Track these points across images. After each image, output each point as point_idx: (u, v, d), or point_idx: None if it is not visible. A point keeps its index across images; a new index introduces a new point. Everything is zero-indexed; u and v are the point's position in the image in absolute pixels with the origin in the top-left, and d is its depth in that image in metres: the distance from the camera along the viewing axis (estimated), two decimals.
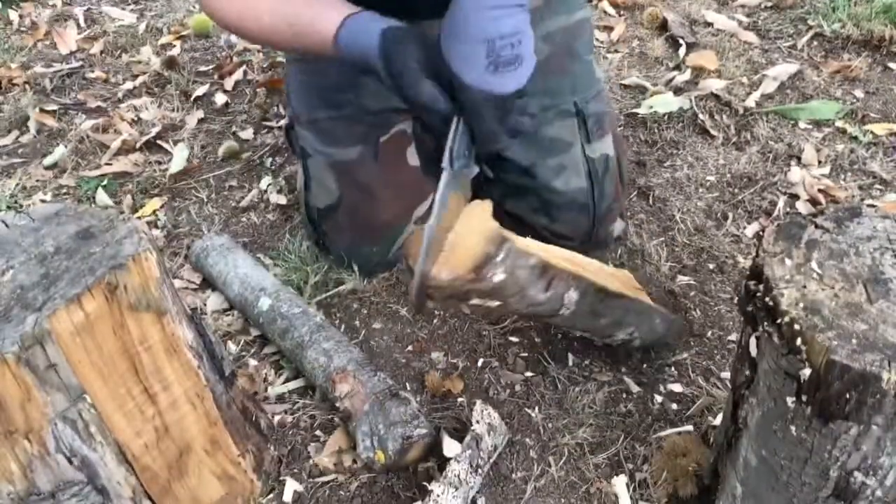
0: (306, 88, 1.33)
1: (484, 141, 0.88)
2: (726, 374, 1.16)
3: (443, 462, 1.01)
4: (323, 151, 1.31)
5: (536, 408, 1.13)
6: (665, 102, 1.79)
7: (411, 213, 1.32)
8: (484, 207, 0.89)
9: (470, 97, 0.84)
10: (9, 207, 1.59)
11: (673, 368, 1.19)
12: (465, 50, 0.83)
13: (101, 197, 1.61)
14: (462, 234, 0.85)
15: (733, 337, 1.23)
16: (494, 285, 0.84)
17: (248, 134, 1.81)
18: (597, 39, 2.18)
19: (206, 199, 1.59)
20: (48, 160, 1.74)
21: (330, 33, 0.93)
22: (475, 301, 0.86)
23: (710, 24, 2.16)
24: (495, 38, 0.81)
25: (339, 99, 1.28)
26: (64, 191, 1.65)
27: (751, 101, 1.78)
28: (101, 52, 2.22)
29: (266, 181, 1.63)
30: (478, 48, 0.82)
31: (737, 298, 1.28)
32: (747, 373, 0.77)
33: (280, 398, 1.17)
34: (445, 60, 0.84)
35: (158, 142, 1.79)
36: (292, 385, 1.18)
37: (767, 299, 0.70)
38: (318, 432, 1.11)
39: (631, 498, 1.01)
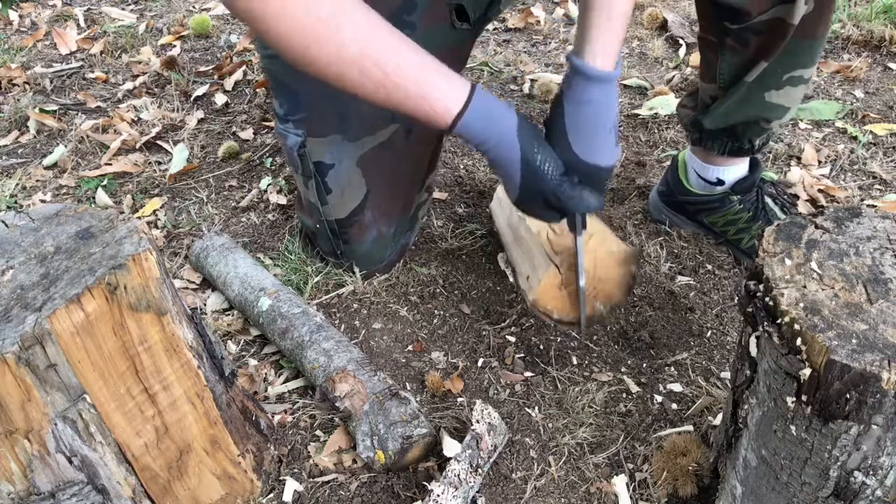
0: (324, 84, 1.18)
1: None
2: (726, 374, 1.16)
3: (443, 462, 1.01)
4: (352, 149, 1.22)
5: (536, 408, 1.13)
6: (666, 103, 1.79)
7: (425, 179, 1.35)
8: (605, 236, 1.15)
9: (600, 175, 1.02)
10: (9, 207, 1.59)
11: (673, 368, 1.19)
12: (601, 140, 1.00)
13: (101, 197, 1.61)
14: (606, 275, 1.12)
15: (733, 337, 1.23)
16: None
17: (248, 134, 1.81)
18: None
19: (206, 199, 1.59)
20: (48, 160, 1.74)
21: (448, 111, 0.91)
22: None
23: None
24: (615, 126, 1.01)
25: None
26: (64, 191, 1.65)
27: None
28: (101, 52, 2.22)
29: (266, 181, 1.63)
30: (610, 136, 1.00)
31: (737, 298, 1.29)
32: (747, 373, 0.78)
33: (280, 398, 1.17)
34: (577, 154, 0.99)
35: (158, 142, 1.79)
36: (292, 385, 1.18)
37: (767, 299, 0.71)
38: (318, 432, 1.11)
39: (631, 498, 1.01)
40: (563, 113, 1.00)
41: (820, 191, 1.52)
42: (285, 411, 1.14)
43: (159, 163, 1.73)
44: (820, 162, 1.62)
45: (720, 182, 1.35)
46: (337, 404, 1.07)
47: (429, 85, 0.91)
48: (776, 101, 1.23)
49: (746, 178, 1.34)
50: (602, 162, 1.01)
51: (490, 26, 2.27)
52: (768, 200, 1.37)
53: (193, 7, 2.51)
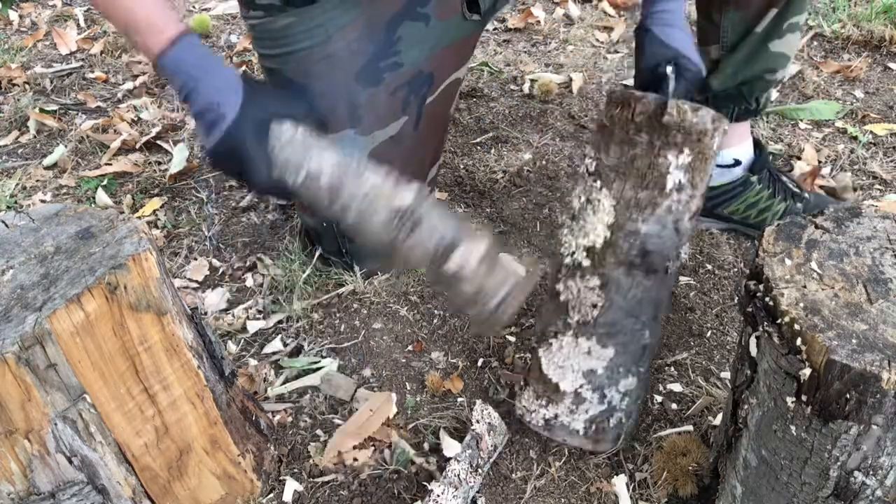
0: (338, 78, 1.18)
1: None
2: (726, 374, 1.16)
3: (443, 462, 1.01)
4: (363, 144, 1.20)
5: None
6: None
7: (427, 175, 1.36)
8: None
9: (694, 71, 1.05)
10: (9, 207, 1.59)
11: (673, 368, 1.19)
12: (685, 38, 1.08)
13: (101, 197, 1.61)
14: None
15: (733, 337, 1.23)
16: (713, 149, 0.96)
17: None
18: (597, 39, 2.18)
19: (206, 199, 1.59)
20: (48, 160, 1.74)
21: (161, 41, 0.97)
22: (683, 153, 0.95)
23: None
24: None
25: (379, 69, 1.19)
26: (64, 191, 1.65)
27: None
28: (101, 52, 2.22)
29: None
30: (688, 37, 1.09)
31: (737, 298, 1.29)
32: (747, 373, 0.78)
33: (280, 398, 1.17)
34: (667, 44, 1.07)
35: (158, 142, 1.79)
36: (292, 385, 1.18)
37: (767, 299, 0.71)
38: (318, 432, 1.11)
39: (631, 498, 1.01)
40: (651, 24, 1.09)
41: (821, 187, 1.52)
42: (285, 411, 1.14)
43: (159, 163, 1.73)
44: (820, 162, 1.62)
45: (737, 162, 1.36)
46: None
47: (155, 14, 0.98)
48: (779, 50, 1.26)
49: (759, 158, 1.37)
50: (692, 55, 1.05)
51: (490, 26, 2.27)
52: (778, 174, 1.40)
53: (193, 7, 2.51)
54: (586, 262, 0.97)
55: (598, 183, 0.97)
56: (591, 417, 1.01)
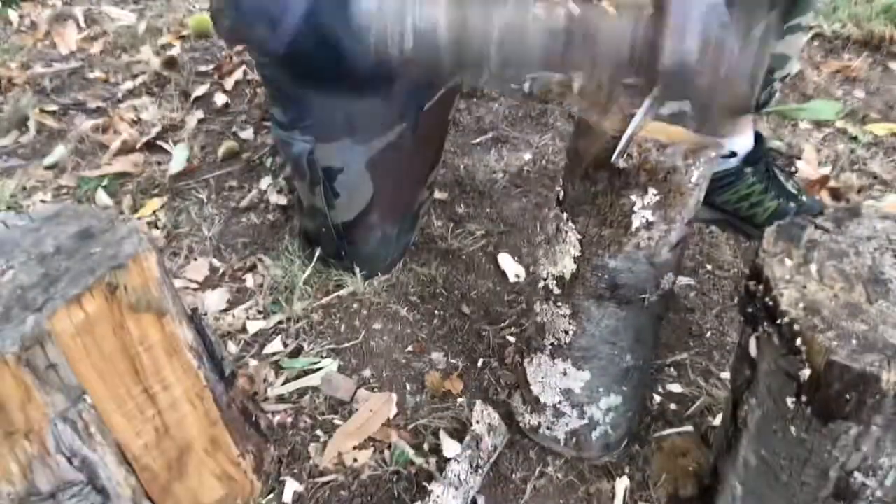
0: (331, 90, 1.18)
1: None
2: (726, 374, 1.16)
3: (443, 462, 1.01)
4: (361, 152, 1.21)
5: None
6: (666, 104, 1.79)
7: (428, 177, 1.36)
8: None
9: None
10: (9, 207, 1.59)
11: (672, 368, 1.19)
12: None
13: (101, 197, 1.61)
14: (675, 130, 0.84)
15: (733, 337, 1.23)
16: (691, 183, 0.81)
17: (248, 134, 1.81)
18: None
19: (206, 199, 1.59)
20: (48, 160, 1.74)
21: None
22: (648, 193, 0.81)
23: None
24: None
25: (374, 79, 1.17)
26: (64, 191, 1.65)
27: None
28: (101, 52, 2.22)
29: (266, 181, 1.63)
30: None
31: (737, 298, 1.29)
32: (747, 373, 0.78)
33: (280, 398, 1.17)
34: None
35: (158, 142, 1.79)
36: (292, 386, 1.18)
37: (767, 299, 0.70)
38: (318, 432, 1.11)
39: (630, 498, 1.01)
40: None
41: (826, 187, 1.52)
42: (285, 412, 1.14)
43: (159, 163, 1.72)
44: (820, 162, 1.62)
45: (733, 154, 1.36)
46: None
47: None
48: (779, 51, 1.26)
49: (755, 150, 1.37)
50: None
51: None
52: (776, 171, 1.39)
53: (193, 7, 2.51)
54: (557, 290, 0.94)
55: (565, 215, 0.89)
56: (571, 430, 1.03)
